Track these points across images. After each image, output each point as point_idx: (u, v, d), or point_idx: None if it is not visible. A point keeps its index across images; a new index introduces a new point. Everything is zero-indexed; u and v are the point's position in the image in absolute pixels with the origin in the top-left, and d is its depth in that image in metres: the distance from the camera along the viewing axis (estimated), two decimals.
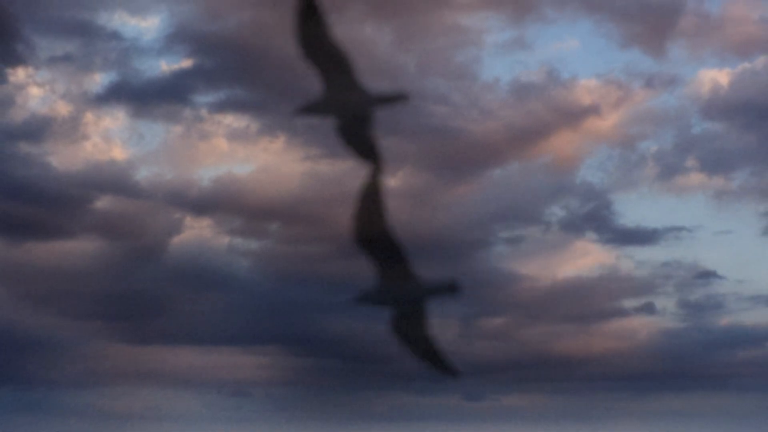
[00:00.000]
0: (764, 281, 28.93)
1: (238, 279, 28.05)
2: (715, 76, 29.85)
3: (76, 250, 27.63)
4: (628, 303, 28.19)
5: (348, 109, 8.13)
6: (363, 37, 29.66)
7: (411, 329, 7.98)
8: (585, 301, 28.28)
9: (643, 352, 27.28)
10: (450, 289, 8.11)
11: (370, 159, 7.99)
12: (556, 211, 29.59)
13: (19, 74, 27.91)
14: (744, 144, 29.42)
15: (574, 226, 29.22)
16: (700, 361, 26.99)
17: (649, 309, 27.61)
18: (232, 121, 29.14)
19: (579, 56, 31.01)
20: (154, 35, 31.19)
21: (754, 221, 29.02)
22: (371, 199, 7.69)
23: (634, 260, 29.33)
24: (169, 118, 29.25)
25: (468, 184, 30.08)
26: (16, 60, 27.80)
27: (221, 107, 28.83)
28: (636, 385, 27.46)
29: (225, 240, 28.58)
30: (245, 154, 30.06)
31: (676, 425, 26.35)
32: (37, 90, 28.38)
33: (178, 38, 28.23)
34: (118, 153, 29.13)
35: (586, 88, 29.87)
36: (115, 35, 28.29)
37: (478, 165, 29.58)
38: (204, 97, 29.17)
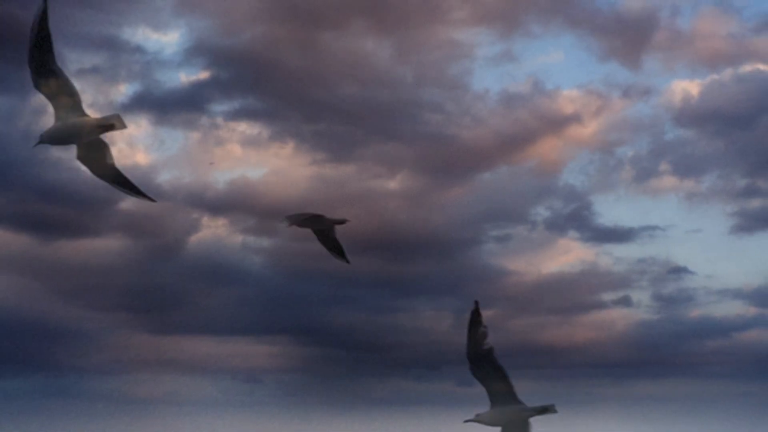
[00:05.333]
0: (731, 276, 28.87)
1: (251, 274, 28.07)
2: (686, 87, 29.80)
3: (102, 247, 27.66)
4: (607, 296, 28.17)
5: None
6: (365, 50, 29.68)
7: None
8: (567, 295, 28.30)
9: (620, 341, 27.34)
10: (544, 410, 8.72)
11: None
12: (541, 212, 29.56)
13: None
14: (713, 149, 29.42)
15: (557, 226, 29.20)
16: (672, 350, 27.05)
17: (626, 302, 27.62)
18: (245, 128, 29.14)
19: (562, 68, 30.95)
20: (174, 49, 31.11)
21: (722, 221, 28.94)
22: (474, 325, 7.96)
23: (612, 257, 29.27)
24: (187, 125, 29.22)
25: (461, 187, 30.11)
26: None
27: (235, 115, 28.82)
28: (614, 372, 27.52)
29: (239, 238, 28.60)
30: (257, 159, 30.03)
31: (650, 408, 26.42)
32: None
33: (196, 52, 28.21)
34: (142, 158, 29.14)
35: (569, 98, 29.87)
36: (139, 49, 28.24)
37: (470, 169, 29.59)
38: (220, 106, 29.11)
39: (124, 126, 8.97)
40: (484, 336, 8.33)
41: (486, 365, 8.50)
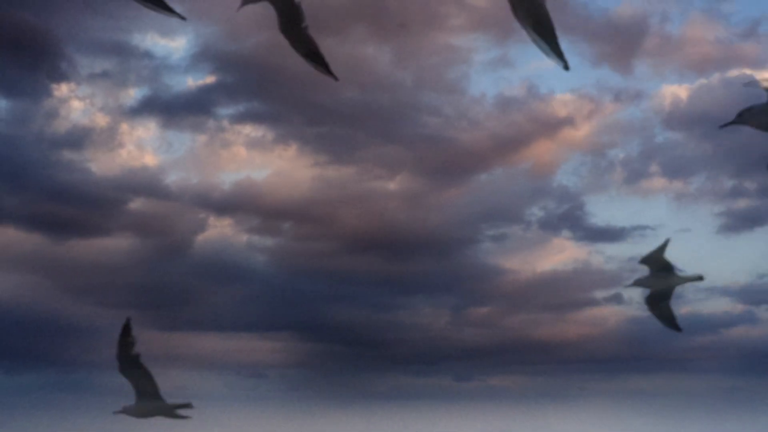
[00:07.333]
0: (719, 274, 29.13)
1: (256, 272, 28.38)
2: (675, 91, 30.10)
3: (112, 246, 27.96)
4: (599, 294, 28.46)
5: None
6: (365, 55, 29.95)
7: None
8: (561, 292, 28.61)
9: (612, 337, 27.63)
10: (185, 405, 9.65)
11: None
12: (536, 212, 29.87)
13: (62, 89, 28.17)
14: (701, 152, 29.71)
15: (551, 225, 29.52)
16: (662, 345, 27.31)
17: (617, 299, 27.90)
18: (250, 131, 29.43)
19: (556, 73, 31.31)
20: (181, 54, 31.39)
21: (710, 221, 29.24)
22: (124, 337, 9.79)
23: (604, 255, 29.57)
24: (194, 128, 29.51)
25: (458, 188, 30.42)
26: (60, 76, 28.04)
27: (241, 118, 29.11)
28: (606, 367, 27.82)
29: (244, 237, 28.91)
30: (262, 161, 30.33)
31: (641, 403, 26.75)
32: (78, 103, 28.65)
33: (202, 57, 28.49)
34: (150, 159, 29.44)
35: (562, 102, 30.19)
36: (148, 54, 28.53)
37: (467, 170, 29.90)
38: (225, 110, 29.40)
39: None
40: (131, 346, 9.83)
41: (134, 368, 9.91)
